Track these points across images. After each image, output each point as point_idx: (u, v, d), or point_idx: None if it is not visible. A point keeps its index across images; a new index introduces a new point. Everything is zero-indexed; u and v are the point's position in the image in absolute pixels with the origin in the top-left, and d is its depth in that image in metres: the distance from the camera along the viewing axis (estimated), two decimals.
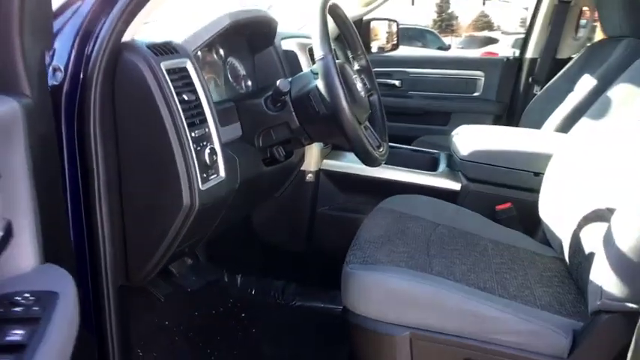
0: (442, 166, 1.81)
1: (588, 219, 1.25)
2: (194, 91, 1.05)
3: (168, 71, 1.00)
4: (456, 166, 1.77)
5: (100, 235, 1.00)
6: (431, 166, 1.85)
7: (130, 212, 1.03)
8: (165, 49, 1.02)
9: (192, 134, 1.01)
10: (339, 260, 1.23)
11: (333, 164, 1.73)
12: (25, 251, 0.61)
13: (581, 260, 1.19)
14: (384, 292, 1.11)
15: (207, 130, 1.06)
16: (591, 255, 1.12)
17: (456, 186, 1.68)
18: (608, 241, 1.02)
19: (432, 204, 1.60)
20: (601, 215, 1.21)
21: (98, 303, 1.03)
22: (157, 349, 1.44)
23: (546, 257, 1.39)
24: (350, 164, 1.74)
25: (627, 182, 1.14)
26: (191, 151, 1.00)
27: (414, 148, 2.10)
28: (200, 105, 1.06)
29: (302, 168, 1.67)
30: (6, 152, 0.58)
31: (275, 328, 1.60)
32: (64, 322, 0.54)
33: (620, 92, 1.39)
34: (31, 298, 0.54)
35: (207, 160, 1.04)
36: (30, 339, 0.48)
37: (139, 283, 1.11)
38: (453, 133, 1.87)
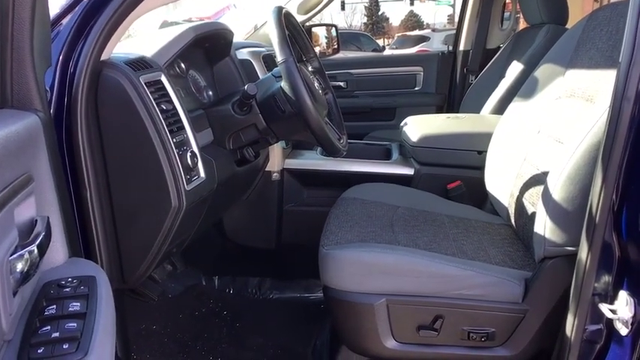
0: (395, 155, 1.96)
1: (528, 185, 1.42)
2: (170, 101, 1.15)
3: (147, 84, 1.09)
4: (407, 153, 1.93)
5: (95, 242, 1.07)
6: (385, 156, 2.00)
7: (121, 217, 1.11)
8: (140, 65, 1.11)
9: (174, 140, 1.11)
10: (308, 252, 1.34)
11: (295, 162, 1.85)
12: (58, 246, 0.70)
13: (526, 221, 1.36)
14: (359, 265, 1.24)
15: (185, 135, 1.16)
16: (533, 214, 1.29)
17: (409, 171, 1.84)
18: (546, 198, 1.19)
19: (390, 189, 1.74)
20: (538, 179, 1.38)
21: None
22: (149, 351, 1.50)
23: (496, 225, 1.56)
24: (310, 161, 1.87)
25: (555, 148, 1.33)
26: (175, 155, 1.09)
27: (368, 142, 2.25)
28: (177, 113, 1.15)
29: (267, 169, 1.78)
30: (35, 159, 0.66)
31: (257, 321, 1.70)
32: (108, 297, 0.63)
33: (542, 73, 1.58)
34: (74, 281, 0.63)
35: (190, 163, 1.13)
36: (87, 308, 0.57)
37: (134, 285, 1.19)
38: (401, 123, 2.04)
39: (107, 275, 1.10)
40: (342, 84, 2.83)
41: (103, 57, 1.06)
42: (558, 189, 1.15)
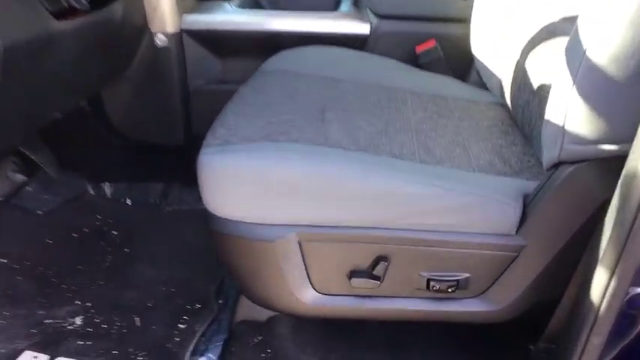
0: (345, 5, 1.38)
1: (535, 41, 0.90)
2: None
3: None
4: (363, 2, 1.34)
5: None
6: (333, 7, 1.42)
7: None
8: None
9: None
10: None
11: (200, 20, 1.28)
12: None
13: (529, 98, 0.86)
14: (252, 180, 0.75)
15: None
16: (543, 88, 0.78)
17: (364, 28, 1.27)
18: (573, 59, 0.67)
19: (333, 55, 1.21)
20: (553, 30, 0.85)
21: None
22: None
23: (483, 104, 1.06)
24: (223, 17, 1.30)
25: None
26: None
27: None
28: None
29: (152, 30, 1.21)
30: None
31: (154, 245, 1.25)
32: None
33: None
34: None
35: None
36: None
37: None
38: None
39: None
40: None
41: None
42: (597, 44, 0.63)
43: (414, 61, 1.24)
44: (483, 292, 0.79)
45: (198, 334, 0.98)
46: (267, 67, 1.14)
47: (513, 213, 0.72)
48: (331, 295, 0.81)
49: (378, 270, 0.77)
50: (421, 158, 0.81)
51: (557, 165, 0.71)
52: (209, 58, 1.33)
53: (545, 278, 0.75)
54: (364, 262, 0.77)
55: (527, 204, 0.73)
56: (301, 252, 0.77)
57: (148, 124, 1.36)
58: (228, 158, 0.76)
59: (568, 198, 0.70)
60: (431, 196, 0.73)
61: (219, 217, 0.79)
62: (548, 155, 0.71)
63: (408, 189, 0.73)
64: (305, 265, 0.78)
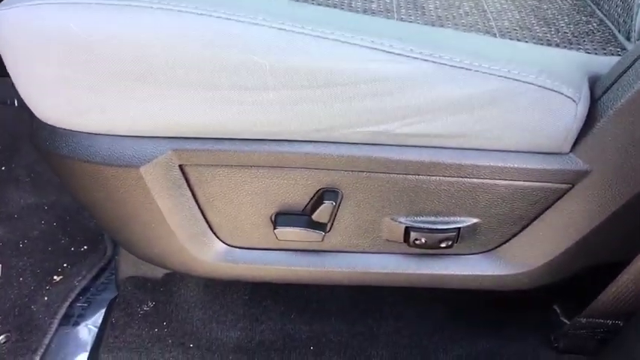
0: None
1: None
2: None
3: None
4: None
5: None
6: None
7: None
8: None
9: None
10: None
11: None
12: None
13: None
14: (78, 52, 0.40)
15: None
16: None
17: None
18: None
19: None
20: None
21: None
22: None
23: None
24: None
25: None
26: None
27: None
28: None
29: None
30: None
31: (41, 161, 0.91)
32: None
33: None
34: None
35: None
36: None
37: None
38: None
39: None
40: None
41: None
42: None
43: None
44: (499, 246, 0.48)
45: (75, 292, 0.68)
46: None
47: (573, 113, 0.38)
48: (247, 248, 0.49)
49: (322, 213, 0.44)
50: (402, 17, 0.45)
51: None
52: None
53: (611, 229, 0.43)
54: (297, 200, 0.44)
55: (597, 98, 0.39)
56: (187, 183, 0.44)
57: None
58: (33, 10, 0.40)
59: None
60: (421, 80, 0.38)
61: (45, 124, 0.45)
62: None
63: (376, 66, 0.38)
64: (198, 203, 0.46)
